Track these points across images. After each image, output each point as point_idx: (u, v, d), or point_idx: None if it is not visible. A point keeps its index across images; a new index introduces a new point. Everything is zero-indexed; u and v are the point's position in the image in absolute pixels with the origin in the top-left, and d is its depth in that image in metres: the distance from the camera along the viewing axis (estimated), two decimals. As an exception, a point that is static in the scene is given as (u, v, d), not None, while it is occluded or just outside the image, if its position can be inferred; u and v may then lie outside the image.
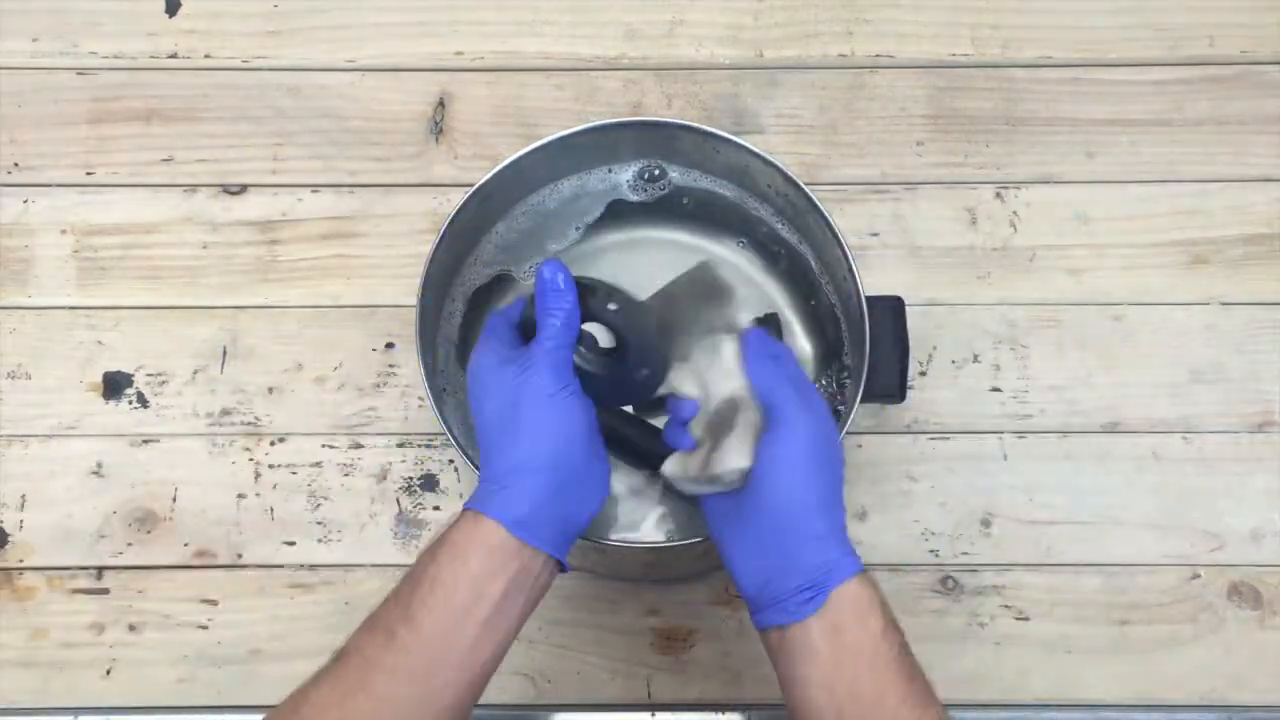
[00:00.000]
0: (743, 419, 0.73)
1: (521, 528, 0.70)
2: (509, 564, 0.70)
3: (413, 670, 0.68)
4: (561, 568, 0.73)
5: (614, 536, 0.89)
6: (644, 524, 0.90)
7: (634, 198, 0.96)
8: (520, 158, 0.91)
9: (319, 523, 0.98)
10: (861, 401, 0.86)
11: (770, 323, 0.93)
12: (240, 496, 0.99)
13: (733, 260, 0.96)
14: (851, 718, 0.68)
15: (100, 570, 0.97)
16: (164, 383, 1.02)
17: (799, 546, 0.71)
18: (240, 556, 0.98)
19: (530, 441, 0.71)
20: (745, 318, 0.78)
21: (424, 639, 0.68)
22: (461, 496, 0.99)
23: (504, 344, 0.75)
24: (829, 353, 0.93)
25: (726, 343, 0.76)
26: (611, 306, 0.74)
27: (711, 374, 0.76)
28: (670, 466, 0.76)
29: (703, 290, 0.80)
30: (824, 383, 0.93)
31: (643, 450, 0.86)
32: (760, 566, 0.72)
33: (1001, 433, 1.00)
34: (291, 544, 0.98)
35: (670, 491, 0.83)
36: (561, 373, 0.72)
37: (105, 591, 0.97)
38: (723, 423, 0.74)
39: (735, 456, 0.72)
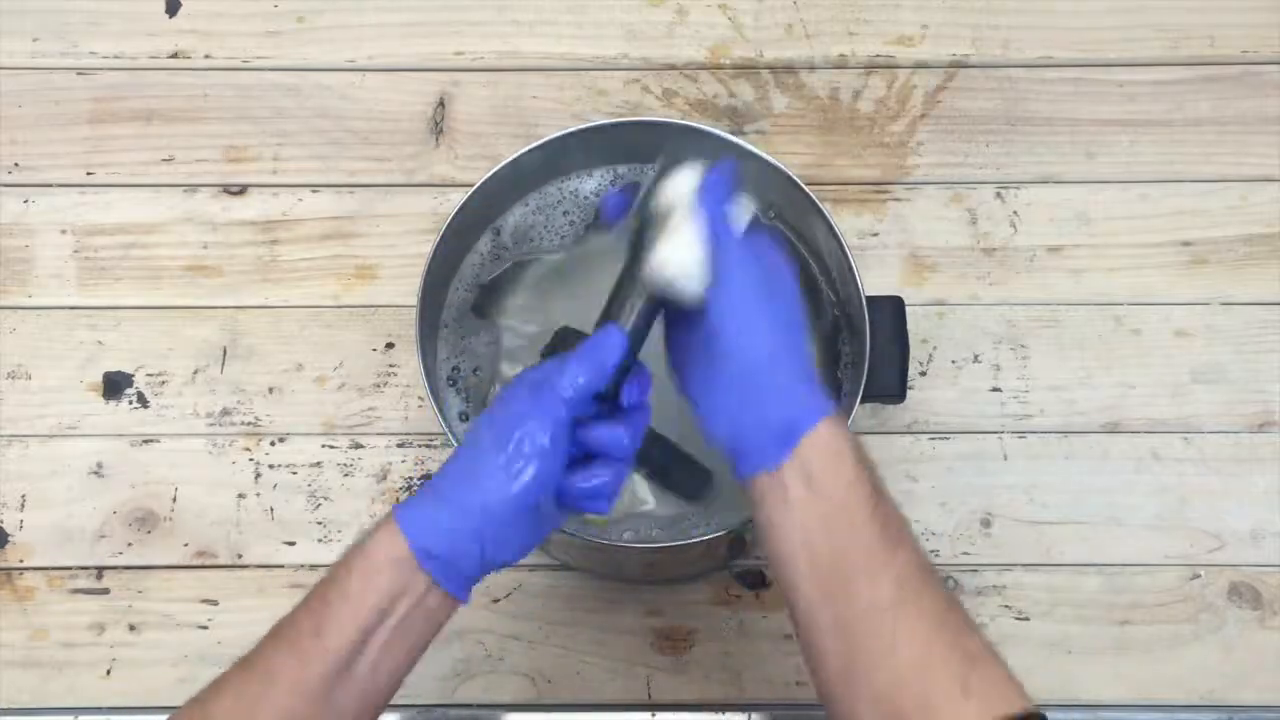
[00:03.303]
0: (675, 223, 0.72)
1: (432, 562, 0.68)
2: (415, 589, 0.68)
3: (312, 688, 0.67)
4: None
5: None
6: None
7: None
8: (520, 158, 0.91)
9: (319, 523, 0.98)
10: (861, 401, 0.86)
11: None
12: (240, 496, 0.99)
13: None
14: (823, 563, 0.68)
15: (100, 570, 0.97)
16: (164, 383, 1.02)
17: (761, 399, 0.70)
18: (240, 556, 0.98)
19: (494, 494, 0.69)
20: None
21: (328, 655, 0.67)
22: (461, 496, 0.99)
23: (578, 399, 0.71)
24: (829, 353, 0.93)
25: (686, 170, 0.74)
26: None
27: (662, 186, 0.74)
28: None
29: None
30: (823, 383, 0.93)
31: (675, 480, 0.88)
32: (728, 419, 0.71)
33: (1001, 433, 1.00)
34: (291, 544, 0.98)
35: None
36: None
37: (105, 591, 0.97)
38: (659, 220, 0.73)
39: (662, 260, 0.71)
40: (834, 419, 0.70)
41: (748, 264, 0.71)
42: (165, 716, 0.67)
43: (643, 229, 0.73)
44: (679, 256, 0.71)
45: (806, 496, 0.69)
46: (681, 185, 0.73)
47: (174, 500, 0.99)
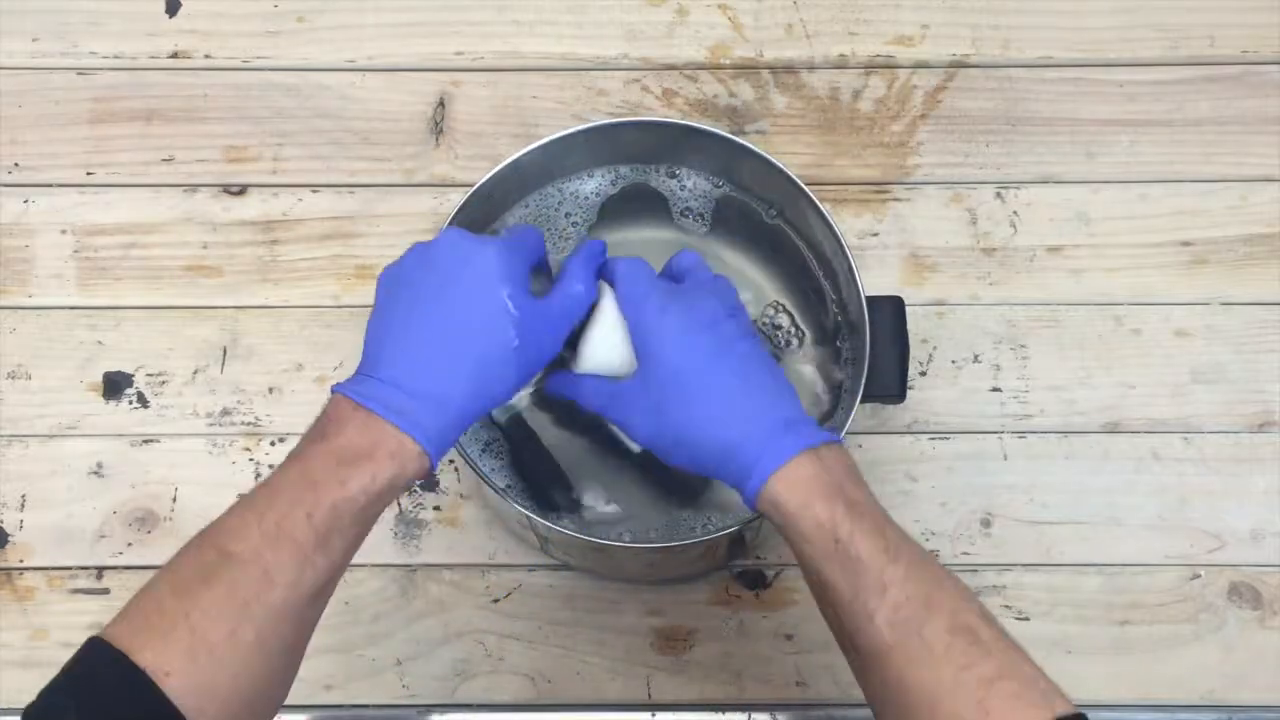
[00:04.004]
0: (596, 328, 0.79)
1: (434, 448, 0.71)
2: (407, 477, 0.70)
3: (307, 594, 0.67)
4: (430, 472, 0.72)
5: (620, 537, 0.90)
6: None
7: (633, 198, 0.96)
8: (520, 158, 0.91)
9: (319, 523, 0.98)
10: (861, 401, 0.86)
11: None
12: (240, 496, 0.99)
13: (732, 260, 0.96)
14: (827, 606, 0.71)
15: (100, 570, 0.97)
16: (164, 383, 1.02)
17: (715, 463, 0.73)
18: (240, 556, 0.97)
19: (474, 379, 0.72)
20: None
21: (331, 567, 0.68)
22: (462, 497, 0.99)
23: (525, 273, 0.76)
24: (829, 353, 0.93)
25: (605, 291, 0.80)
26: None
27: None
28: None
29: None
30: (824, 383, 0.93)
31: (674, 480, 0.90)
32: (699, 469, 0.75)
33: (1001, 433, 1.00)
34: (291, 544, 0.98)
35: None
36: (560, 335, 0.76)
37: (105, 591, 0.97)
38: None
39: (581, 355, 0.79)
40: (792, 464, 0.70)
41: (660, 359, 0.74)
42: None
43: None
44: (594, 349, 0.80)
45: (792, 538, 0.71)
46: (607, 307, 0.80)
47: (174, 500, 0.99)
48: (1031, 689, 0.64)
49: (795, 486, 0.69)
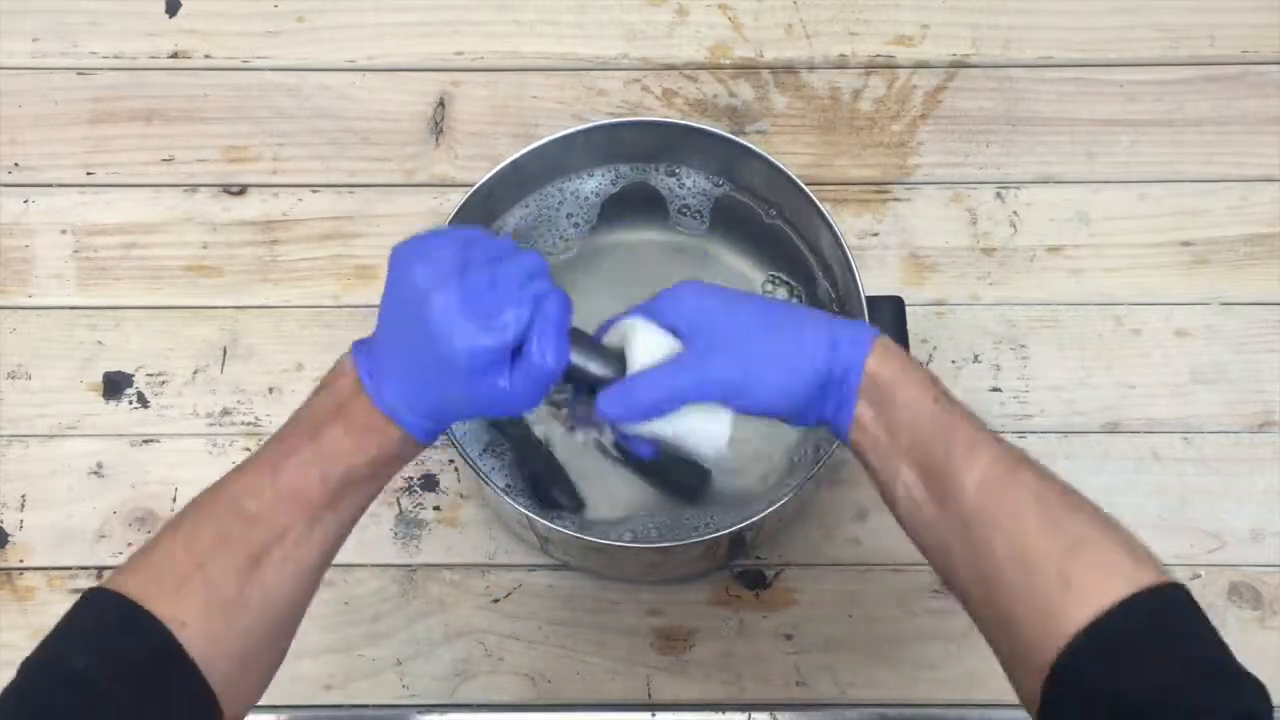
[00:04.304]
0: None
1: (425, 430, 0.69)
2: (405, 457, 0.70)
3: (324, 548, 0.67)
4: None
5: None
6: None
7: (633, 198, 0.96)
8: (520, 158, 0.91)
9: (319, 523, 0.98)
10: (861, 401, 0.86)
11: None
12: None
13: (730, 260, 0.96)
14: (921, 461, 0.68)
15: (100, 570, 0.97)
16: (164, 383, 1.02)
17: (805, 377, 0.69)
18: (240, 556, 0.97)
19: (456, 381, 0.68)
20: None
21: (342, 523, 0.68)
22: (462, 496, 0.99)
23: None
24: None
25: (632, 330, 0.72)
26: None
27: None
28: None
29: None
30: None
31: (674, 480, 0.90)
32: (788, 396, 0.70)
33: (1001, 433, 1.00)
34: (291, 544, 0.98)
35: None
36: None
37: (105, 591, 0.97)
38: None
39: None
40: (878, 344, 0.69)
41: (710, 355, 0.70)
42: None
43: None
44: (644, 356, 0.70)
45: (889, 407, 0.69)
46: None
47: (174, 500, 0.99)
48: (1116, 555, 0.62)
49: (887, 360, 0.69)
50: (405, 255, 0.66)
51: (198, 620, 0.62)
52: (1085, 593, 0.61)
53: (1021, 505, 0.64)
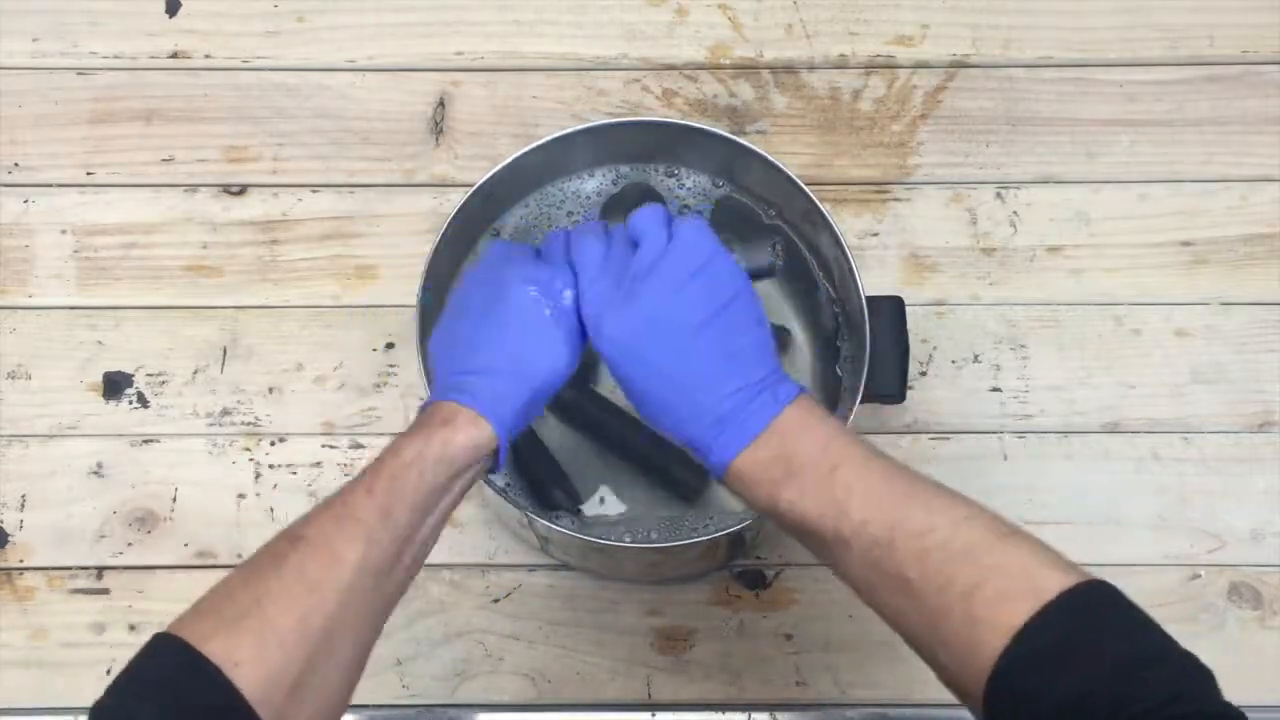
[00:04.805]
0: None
1: (504, 430, 0.72)
2: (478, 463, 0.71)
3: (377, 569, 0.67)
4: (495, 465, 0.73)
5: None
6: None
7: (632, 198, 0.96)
8: (520, 158, 0.91)
9: (319, 523, 0.98)
10: (861, 402, 0.86)
11: (780, 334, 0.93)
12: (240, 496, 0.99)
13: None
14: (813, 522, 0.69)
15: (100, 570, 0.97)
16: (164, 383, 1.02)
17: (687, 423, 0.72)
18: (240, 556, 0.97)
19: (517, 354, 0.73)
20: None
21: (396, 531, 0.68)
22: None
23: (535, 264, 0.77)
24: (829, 353, 0.93)
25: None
26: None
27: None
28: None
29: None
30: (824, 383, 0.93)
31: (674, 479, 0.90)
32: (671, 427, 0.73)
33: (1001, 433, 1.00)
34: (291, 544, 0.98)
35: None
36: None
37: (105, 591, 0.97)
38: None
39: None
40: (740, 457, 0.70)
41: (637, 304, 0.72)
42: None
43: None
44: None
45: (780, 476, 0.70)
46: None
47: (174, 500, 0.99)
48: (1016, 581, 0.62)
49: (741, 475, 0.71)
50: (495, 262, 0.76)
51: (254, 659, 0.61)
52: (995, 622, 0.61)
53: (909, 570, 0.65)
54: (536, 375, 0.73)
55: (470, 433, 0.70)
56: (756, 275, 0.78)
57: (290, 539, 0.67)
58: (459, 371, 0.73)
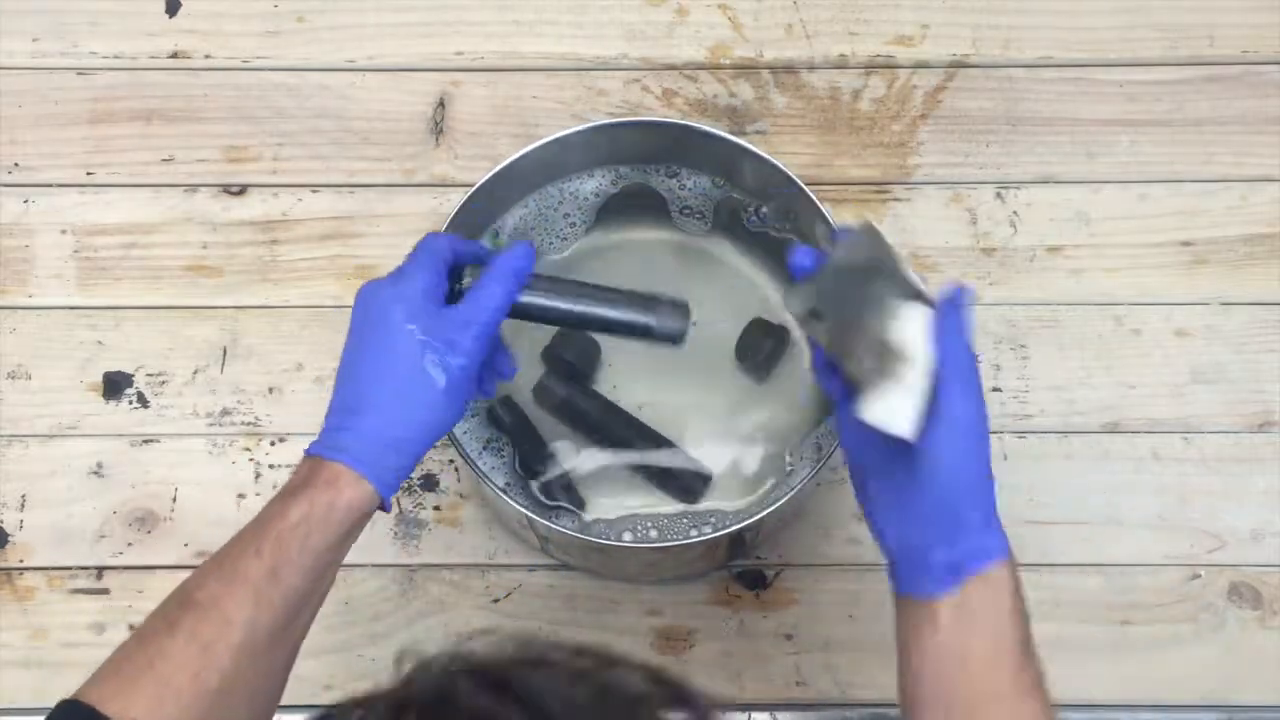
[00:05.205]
0: (911, 377, 0.68)
1: (387, 489, 0.72)
2: (365, 520, 0.73)
3: (266, 631, 0.68)
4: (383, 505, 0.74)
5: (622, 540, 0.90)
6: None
7: (633, 198, 0.96)
8: (520, 158, 0.91)
9: (319, 523, 0.98)
10: (861, 401, 0.85)
11: (780, 334, 0.93)
12: (240, 496, 0.99)
13: (732, 260, 0.96)
14: (948, 696, 0.68)
15: (100, 570, 0.97)
16: (164, 383, 1.02)
17: (948, 529, 0.69)
18: (240, 556, 0.97)
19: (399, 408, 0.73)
20: (914, 278, 0.72)
21: (286, 593, 0.69)
22: (462, 496, 0.99)
23: (431, 288, 0.76)
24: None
25: (914, 309, 0.70)
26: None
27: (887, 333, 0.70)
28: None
29: (867, 254, 0.73)
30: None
31: (675, 480, 0.90)
32: (905, 533, 0.70)
33: (1001, 433, 1.00)
34: (291, 544, 0.98)
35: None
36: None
37: (105, 591, 0.97)
38: (879, 360, 0.69)
39: (894, 414, 0.67)
40: (1005, 563, 0.69)
41: (970, 402, 0.70)
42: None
43: (821, 319, 0.72)
44: (900, 409, 0.67)
45: (955, 630, 0.69)
46: (913, 326, 0.69)
47: (174, 500, 0.99)
48: None
49: (998, 585, 0.69)
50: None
51: (150, 714, 0.64)
52: None
53: None
54: (421, 437, 0.74)
55: (353, 494, 0.71)
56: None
57: (180, 603, 0.69)
58: (344, 424, 0.73)
